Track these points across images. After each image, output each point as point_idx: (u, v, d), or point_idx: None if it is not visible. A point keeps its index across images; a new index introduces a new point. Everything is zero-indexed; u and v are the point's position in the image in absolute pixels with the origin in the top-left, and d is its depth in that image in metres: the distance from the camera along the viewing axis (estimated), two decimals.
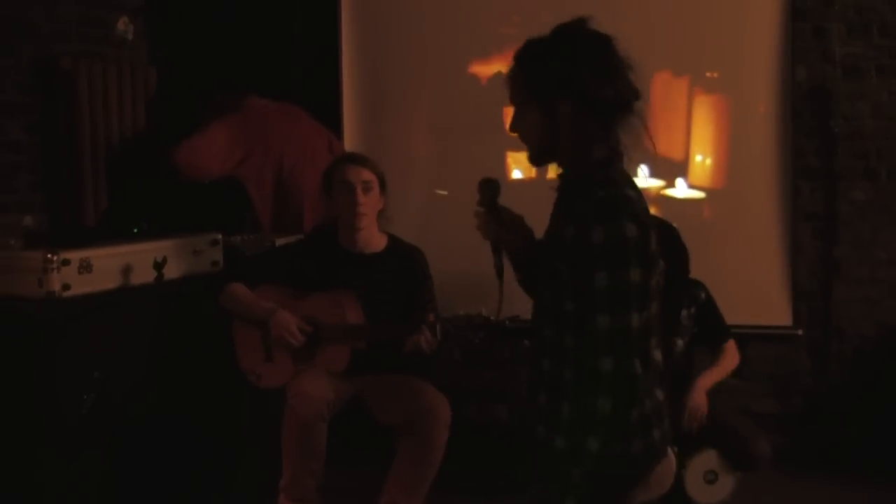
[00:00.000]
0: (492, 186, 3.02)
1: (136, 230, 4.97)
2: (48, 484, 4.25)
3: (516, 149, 5.66)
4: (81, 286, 4.37)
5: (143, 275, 4.63)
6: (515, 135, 2.81)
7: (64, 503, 4.29)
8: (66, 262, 4.31)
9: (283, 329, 4.45)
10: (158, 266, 4.69)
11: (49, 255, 4.27)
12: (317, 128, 5.71)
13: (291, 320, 4.47)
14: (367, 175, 4.50)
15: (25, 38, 5.31)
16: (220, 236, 5.05)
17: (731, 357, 5.00)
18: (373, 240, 4.60)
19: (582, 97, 2.66)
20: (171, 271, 4.76)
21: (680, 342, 4.91)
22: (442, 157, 6.00)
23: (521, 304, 4.82)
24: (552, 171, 2.85)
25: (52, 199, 5.43)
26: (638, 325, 2.57)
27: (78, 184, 5.43)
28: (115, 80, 5.64)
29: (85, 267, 4.38)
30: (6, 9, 5.20)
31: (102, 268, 4.47)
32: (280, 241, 5.05)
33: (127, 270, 4.57)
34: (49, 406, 4.22)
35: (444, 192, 6.00)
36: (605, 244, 2.54)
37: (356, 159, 4.59)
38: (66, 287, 4.30)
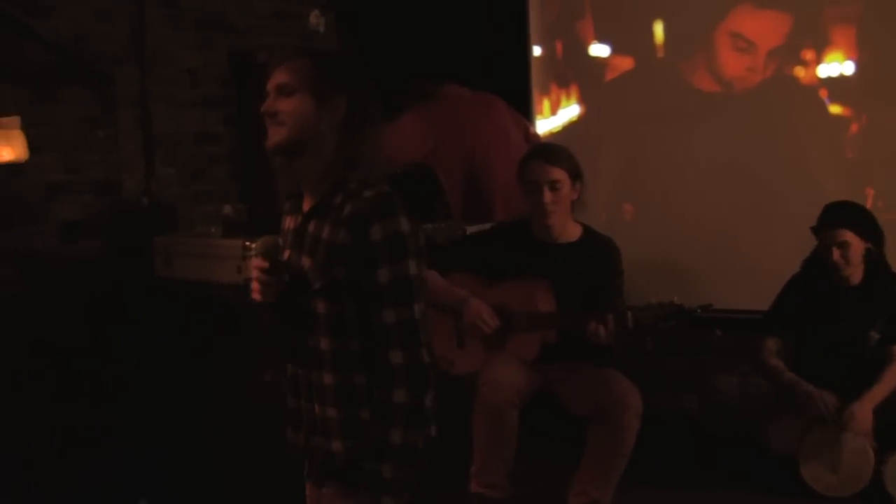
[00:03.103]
0: (276, 246, 2.76)
1: None
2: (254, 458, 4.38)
3: (707, 137, 5.62)
4: None
5: None
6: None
7: (270, 480, 4.40)
8: None
9: (476, 316, 4.46)
10: None
11: (247, 243, 4.39)
12: (514, 117, 5.71)
13: (484, 307, 4.47)
14: (556, 174, 4.42)
15: (223, 34, 5.47)
16: None
17: None
18: (566, 230, 4.54)
19: (357, 104, 2.73)
20: None
21: (875, 336, 4.78)
22: (633, 144, 5.92)
23: (714, 293, 4.80)
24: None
25: (247, 189, 5.58)
26: (419, 315, 2.61)
27: (272, 173, 5.53)
28: None
29: None
30: (206, 6, 5.36)
31: None
32: (471, 230, 5.06)
33: None
34: (254, 388, 4.32)
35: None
36: (384, 241, 2.58)
37: (545, 156, 4.48)
38: None
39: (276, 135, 2.70)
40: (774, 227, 5.38)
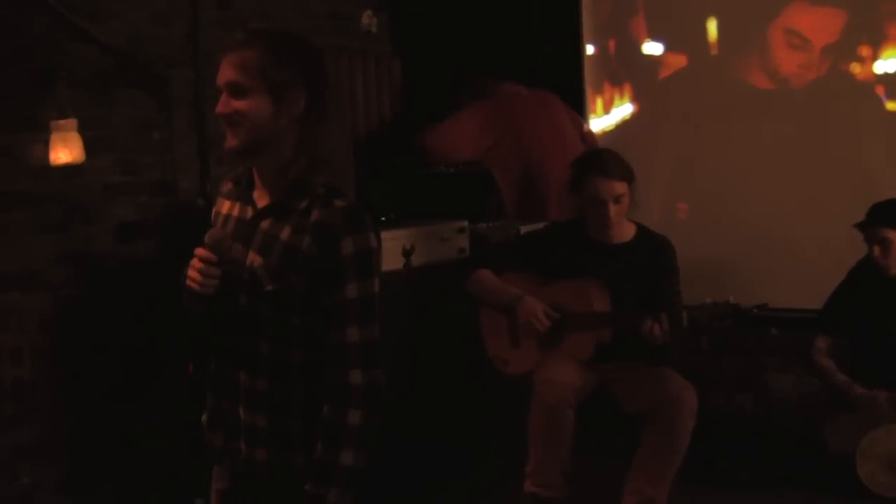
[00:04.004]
0: (226, 240, 2.65)
1: (384, 218, 5.07)
2: None
3: (762, 134, 5.58)
4: None
5: (392, 261, 4.72)
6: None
7: None
8: None
9: (530, 315, 4.46)
10: (407, 253, 4.78)
11: None
12: (570, 115, 5.71)
13: (538, 306, 4.47)
14: (619, 188, 4.41)
15: None
16: (466, 223, 5.11)
17: None
18: (621, 230, 4.54)
19: (316, 94, 2.62)
20: (419, 258, 4.85)
21: None
22: (687, 142, 5.89)
23: (769, 291, 4.77)
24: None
25: None
26: (378, 335, 2.56)
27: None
28: (361, 72, 5.76)
29: None
30: (260, 7, 5.39)
31: None
32: (525, 229, 5.06)
33: None
34: None
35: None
36: (355, 256, 2.51)
37: (606, 171, 4.42)
38: None
39: (233, 138, 2.57)
40: (830, 224, 5.33)
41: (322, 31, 5.71)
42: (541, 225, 5.01)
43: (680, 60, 5.91)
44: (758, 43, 5.62)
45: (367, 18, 5.94)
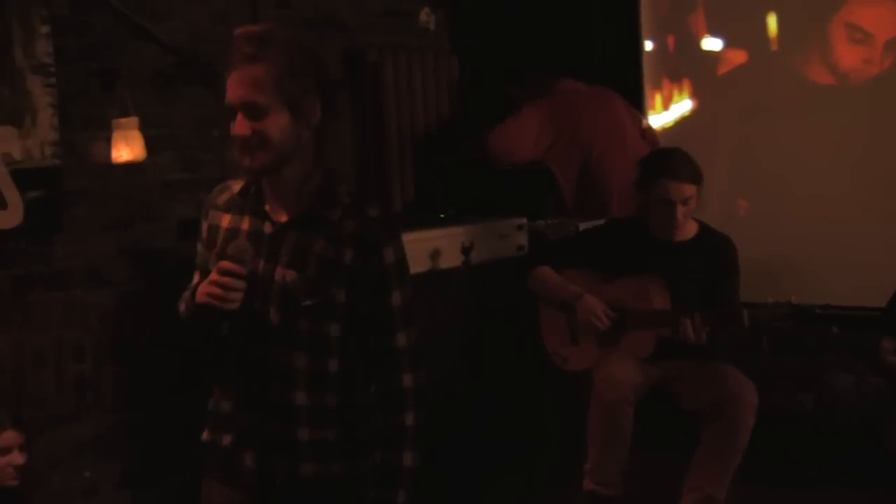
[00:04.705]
0: (251, 252, 2.53)
1: (442, 215, 5.08)
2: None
3: (822, 130, 5.52)
4: None
5: (451, 259, 4.74)
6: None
7: None
8: None
9: (590, 312, 4.45)
10: (466, 250, 4.78)
11: None
12: (630, 111, 5.68)
13: (598, 304, 4.46)
14: (688, 191, 4.36)
15: (335, 33, 5.52)
16: (524, 220, 5.11)
17: None
18: (683, 228, 4.50)
19: (329, 98, 2.56)
20: (478, 255, 4.85)
21: None
22: (747, 138, 5.84)
23: (829, 289, 4.72)
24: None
25: (361, 186, 5.62)
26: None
27: (385, 171, 5.59)
28: (419, 69, 5.77)
29: None
30: (318, 5, 5.42)
31: (412, 252, 4.50)
32: (584, 226, 5.05)
33: (435, 255, 4.69)
34: None
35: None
36: (396, 263, 2.54)
37: (676, 174, 4.37)
38: None
39: (252, 159, 2.46)
40: (892, 221, 5.28)
41: (379, 29, 5.73)
42: (600, 222, 4.98)
43: (739, 56, 5.86)
44: (818, 38, 5.55)
45: (425, 16, 5.96)
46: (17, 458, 3.64)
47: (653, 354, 4.43)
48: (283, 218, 2.57)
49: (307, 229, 2.53)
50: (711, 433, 4.28)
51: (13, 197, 4.12)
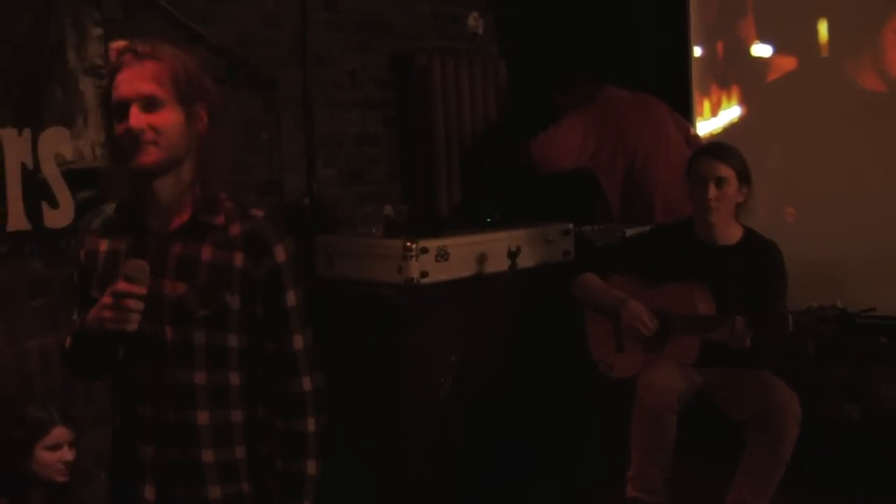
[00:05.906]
0: (146, 268, 2.38)
1: (489, 220, 5.08)
2: (408, 459, 4.45)
3: (873, 138, 5.48)
4: (438, 273, 4.54)
5: (498, 263, 4.73)
6: None
7: (423, 481, 4.47)
8: (424, 251, 4.48)
9: (635, 318, 4.43)
10: (512, 255, 4.77)
11: (408, 244, 4.46)
12: (674, 119, 5.67)
13: (643, 310, 4.43)
14: (724, 170, 4.35)
15: (383, 37, 5.54)
16: (571, 226, 5.10)
17: None
18: (728, 231, 4.47)
19: (214, 111, 2.48)
20: (525, 260, 4.84)
21: None
22: (796, 146, 5.79)
23: (878, 298, 4.67)
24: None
25: (407, 190, 5.64)
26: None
27: (432, 174, 5.61)
28: (467, 73, 5.79)
29: (442, 255, 4.53)
30: (366, 9, 5.44)
31: (458, 256, 4.61)
32: (630, 232, 5.03)
33: (482, 259, 4.68)
34: (412, 387, 4.42)
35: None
36: (288, 263, 2.47)
37: (715, 152, 4.42)
38: (423, 274, 4.48)
39: (149, 155, 2.36)
40: None
41: (427, 33, 5.75)
42: (646, 228, 4.97)
43: (789, 62, 5.82)
44: (870, 44, 5.50)
45: (474, 20, 5.97)
46: (67, 454, 3.67)
47: (697, 361, 4.40)
48: (166, 230, 2.48)
49: (192, 238, 2.45)
50: (755, 443, 4.25)
51: (64, 197, 4.17)
